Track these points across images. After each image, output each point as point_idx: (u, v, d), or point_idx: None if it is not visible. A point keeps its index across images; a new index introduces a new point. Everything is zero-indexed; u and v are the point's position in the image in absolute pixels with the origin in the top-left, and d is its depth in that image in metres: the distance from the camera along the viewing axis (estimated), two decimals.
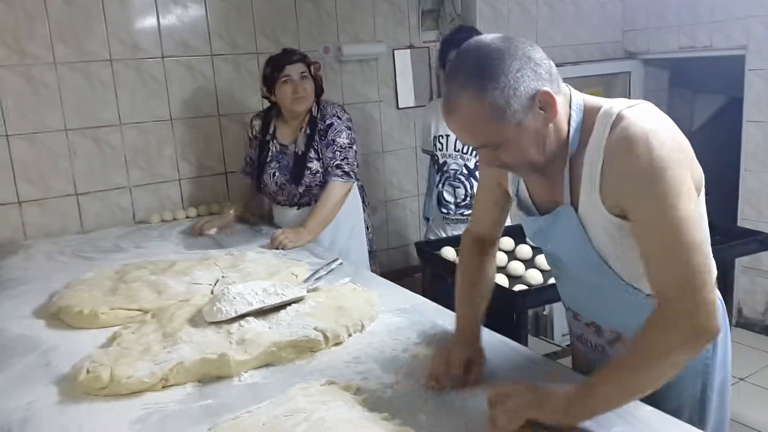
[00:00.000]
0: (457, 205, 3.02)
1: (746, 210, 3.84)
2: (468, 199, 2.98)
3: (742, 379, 3.32)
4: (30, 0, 2.85)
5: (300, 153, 2.77)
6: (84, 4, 2.96)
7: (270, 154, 2.86)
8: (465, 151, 2.96)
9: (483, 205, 1.61)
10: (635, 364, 1.16)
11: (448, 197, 3.04)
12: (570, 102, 1.27)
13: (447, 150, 3.00)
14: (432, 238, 3.10)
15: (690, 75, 4.68)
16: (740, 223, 3.80)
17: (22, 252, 2.69)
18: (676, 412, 1.35)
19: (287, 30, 3.46)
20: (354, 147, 2.80)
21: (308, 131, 2.77)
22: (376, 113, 3.83)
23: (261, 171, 2.87)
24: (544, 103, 1.20)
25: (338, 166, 2.73)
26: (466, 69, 1.20)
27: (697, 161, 1.24)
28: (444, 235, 3.04)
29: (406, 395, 1.37)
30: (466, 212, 2.98)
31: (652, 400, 1.28)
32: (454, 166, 2.99)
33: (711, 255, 1.15)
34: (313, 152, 2.76)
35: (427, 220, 3.93)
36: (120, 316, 1.86)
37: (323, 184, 2.76)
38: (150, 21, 3.12)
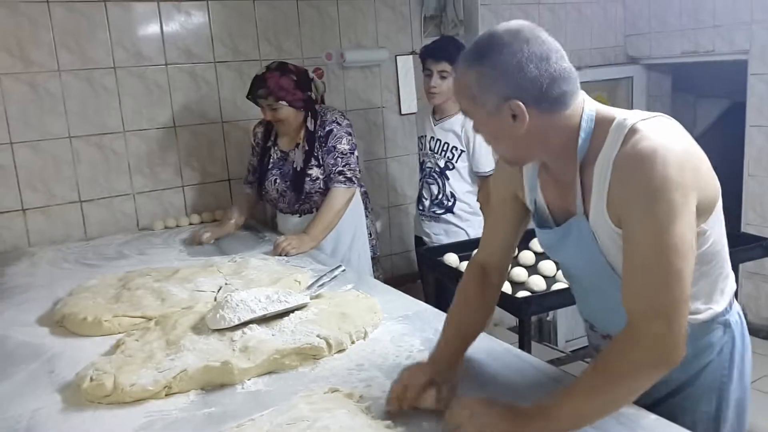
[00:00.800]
0: (432, 202, 3.08)
1: (750, 215, 3.83)
2: (440, 196, 3.03)
3: None
4: (34, 8, 2.86)
5: (299, 169, 2.77)
6: (88, 12, 2.97)
7: (271, 161, 2.86)
8: (436, 150, 3.03)
9: (493, 226, 1.54)
10: (597, 385, 1.16)
11: (425, 194, 3.11)
12: (582, 113, 1.25)
13: (425, 149, 3.08)
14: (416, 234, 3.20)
15: (692, 80, 4.68)
16: (744, 228, 3.79)
17: (27, 259, 2.70)
18: (688, 429, 1.32)
19: (290, 36, 3.47)
20: (355, 152, 2.79)
21: (306, 147, 2.77)
22: (378, 119, 3.84)
23: (262, 178, 2.87)
24: (515, 112, 1.21)
25: (340, 172, 2.73)
26: (475, 44, 1.27)
27: (713, 174, 1.23)
28: (419, 234, 3.16)
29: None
30: (438, 210, 3.05)
31: (666, 413, 1.28)
32: (429, 164, 3.07)
33: (689, 284, 1.14)
34: (313, 160, 2.76)
35: None
36: (123, 323, 1.86)
37: (324, 191, 2.76)
38: (153, 28, 3.13)
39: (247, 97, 2.76)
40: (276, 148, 2.87)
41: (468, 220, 3.01)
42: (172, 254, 2.70)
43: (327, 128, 2.76)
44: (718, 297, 1.34)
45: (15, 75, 2.86)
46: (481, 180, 2.99)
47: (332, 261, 2.47)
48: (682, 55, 4.17)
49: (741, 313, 1.42)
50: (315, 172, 2.76)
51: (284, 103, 2.67)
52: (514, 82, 1.19)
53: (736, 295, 1.42)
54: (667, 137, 1.16)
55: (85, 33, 2.98)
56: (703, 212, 1.21)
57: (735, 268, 2.66)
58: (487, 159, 2.94)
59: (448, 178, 3.01)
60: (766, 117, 3.70)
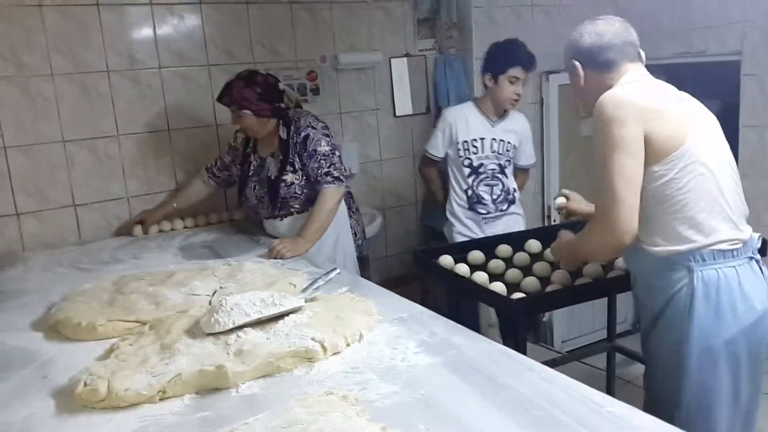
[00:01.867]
0: (495, 201, 3.21)
1: None
2: (503, 193, 3.22)
3: None
4: (27, 12, 2.86)
5: (273, 177, 2.80)
6: (80, 16, 2.97)
7: (252, 168, 2.88)
8: (500, 150, 3.20)
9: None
10: (577, 247, 1.98)
11: (485, 196, 3.20)
12: (622, 78, 1.83)
13: (483, 152, 3.19)
14: (461, 239, 3.19)
15: (685, 80, 4.66)
16: None
17: (20, 264, 2.69)
18: (658, 357, 1.78)
19: (284, 39, 3.47)
20: (337, 152, 2.79)
21: (281, 156, 2.78)
22: (373, 121, 3.84)
23: (243, 185, 2.91)
24: (576, 71, 1.91)
25: (327, 173, 2.72)
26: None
27: (678, 128, 1.66)
28: (481, 235, 3.18)
29: (405, 405, 1.37)
30: (504, 206, 3.23)
31: (653, 338, 1.78)
32: (491, 166, 3.19)
33: (629, 192, 1.64)
34: (288, 167, 2.77)
35: (427, 226, 3.96)
36: (118, 328, 1.86)
37: (299, 195, 2.79)
38: (146, 32, 3.13)
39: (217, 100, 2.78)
40: (255, 155, 2.90)
41: (522, 207, 3.38)
42: (166, 258, 2.69)
43: (303, 133, 2.75)
44: (675, 239, 1.68)
45: (8, 79, 2.86)
46: (521, 171, 3.42)
47: (327, 264, 2.47)
48: (674, 56, 4.17)
49: (738, 281, 1.66)
50: (290, 177, 2.77)
51: (248, 112, 2.69)
52: (574, 48, 1.90)
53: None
54: (625, 89, 1.73)
55: (78, 37, 2.97)
56: (656, 154, 1.63)
57: None
58: (531, 153, 3.40)
59: (507, 176, 3.23)
60: (759, 117, 3.71)
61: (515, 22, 3.99)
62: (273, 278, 2.18)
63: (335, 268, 2.24)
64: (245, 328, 1.68)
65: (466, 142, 3.18)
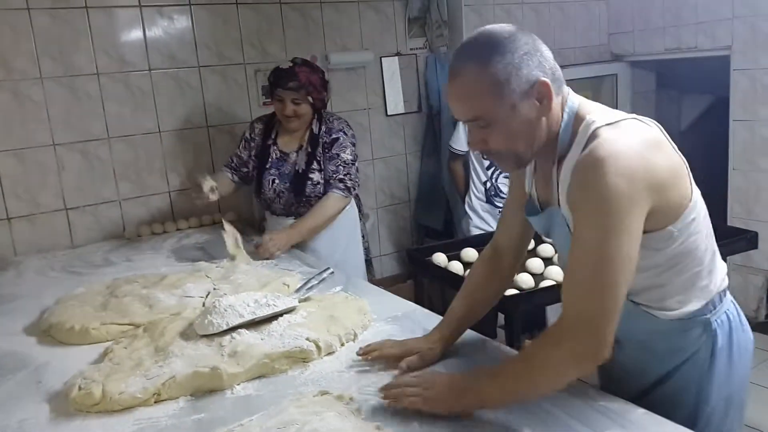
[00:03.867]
0: None
1: (736, 208, 3.86)
2: None
3: None
4: (15, 15, 2.84)
5: (300, 171, 2.74)
6: (70, 19, 2.95)
7: (270, 160, 2.82)
8: None
9: (507, 214, 1.59)
10: (519, 371, 1.25)
11: (504, 189, 3.20)
12: (566, 103, 1.30)
13: None
14: (477, 233, 3.19)
15: (676, 76, 4.71)
16: (730, 221, 3.82)
17: (12, 268, 2.68)
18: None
19: (274, 40, 3.46)
20: (356, 164, 2.80)
21: (309, 149, 2.75)
22: (365, 121, 3.84)
23: (260, 176, 2.84)
24: (541, 94, 1.24)
25: (341, 180, 2.72)
26: (477, 42, 1.26)
27: (683, 179, 1.26)
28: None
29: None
30: None
31: (648, 406, 1.30)
32: None
33: (622, 296, 1.17)
34: (315, 164, 2.74)
35: (420, 226, 3.97)
36: (111, 331, 1.85)
37: (323, 195, 2.75)
38: (136, 34, 3.12)
39: (272, 89, 2.70)
40: (275, 147, 2.83)
41: None
42: (159, 260, 2.68)
43: (333, 135, 2.74)
44: (696, 296, 1.34)
45: None
46: None
47: (320, 263, 2.46)
48: (665, 52, 4.19)
49: (733, 312, 1.41)
50: (317, 176, 2.74)
51: (310, 99, 2.68)
52: (537, 62, 1.24)
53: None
54: (625, 144, 1.18)
55: (68, 40, 2.96)
56: (668, 214, 1.24)
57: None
58: None
59: None
60: (750, 112, 3.73)
61: (505, 19, 4.00)
62: (266, 279, 2.18)
63: (328, 268, 2.24)
64: (239, 330, 1.67)
65: None
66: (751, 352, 1.46)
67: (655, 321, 1.34)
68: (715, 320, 1.36)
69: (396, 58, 3.88)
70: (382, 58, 3.83)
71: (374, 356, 1.55)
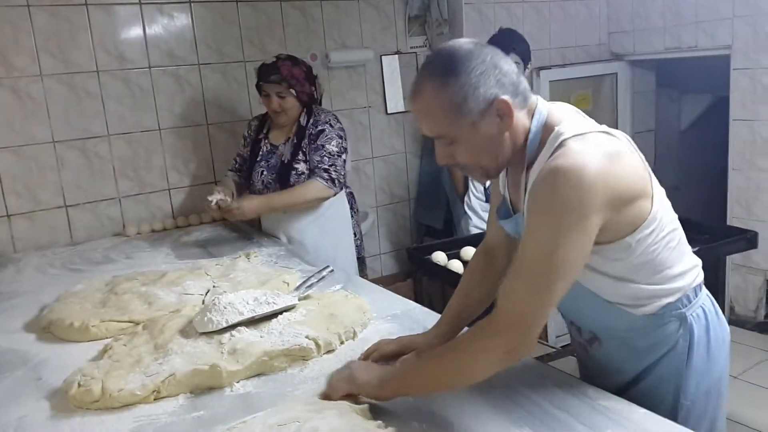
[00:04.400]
0: None
1: (735, 208, 3.86)
2: None
3: (734, 377, 3.33)
4: (15, 12, 2.84)
5: (286, 162, 2.78)
6: (69, 16, 2.95)
7: (261, 153, 2.86)
8: None
9: (494, 213, 1.60)
10: (444, 358, 1.29)
11: None
12: (534, 112, 1.30)
13: None
14: (478, 231, 3.17)
15: (676, 75, 4.72)
16: (730, 221, 3.82)
17: (12, 265, 2.68)
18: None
19: (274, 37, 3.46)
20: (343, 156, 2.79)
21: (295, 140, 2.79)
22: (365, 119, 3.84)
23: (251, 169, 2.88)
24: (501, 111, 1.25)
25: (326, 171, 2.72)
26: (436, 62, 1.27)
27: (645, 191, 1.27)
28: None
29: (400, 402, 1.36)
30: None
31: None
32: None
33: (555, 301, 1.21)
34: (300, 154, 2.77)
35: (420, 223, 3.97)
36: (111, 328, 1.85)
37: None
38: (136, 31, 3.12)
39: (258, 84, 2.77)
40: (266, 141, 2.88)
41: None
42: (159, 258, 2.68)
43: (319, 127, 2.77)
44: (666, 293, 1.36)
45: None
46: None
47: (320, 262, 2.46)
48: (665, 51, 4.19)
49: (711, 306, 1.44)
50: (301, 167, 2.76)
51: (293, 92, 2.72)
52: (495, 80, 1.24)
53: (707, 283, 1.46)
54: (587, 157, 1.18)
55: (67, 37, 2.96)
56: (625, 227, 1.26)
57: (722, 261, 2.69)
58: None
59: None
60: (750, 111, 3.73)
61: (505, 17, 4.00)
62: (266, 277, 2.17)
63: (328, 266, 2.24)
64: (239, 327, 1.67)
65: None
66: (729, 345, 1.49)
67: (631, 317, 1.37)
68: (691, 314, 1.39)
69: (396, 56, 3.88)
70: (383, 57, 3.83)
71: (374, 357, 1.55)
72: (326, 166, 2.72)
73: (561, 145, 1.22)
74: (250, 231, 3.02)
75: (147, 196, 3.24)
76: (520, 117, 1.28)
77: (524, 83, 1.29)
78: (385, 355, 1.55)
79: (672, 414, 1.39)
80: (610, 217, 1.21)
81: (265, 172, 2.83)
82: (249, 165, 2.90)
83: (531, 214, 1.23)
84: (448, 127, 1.26)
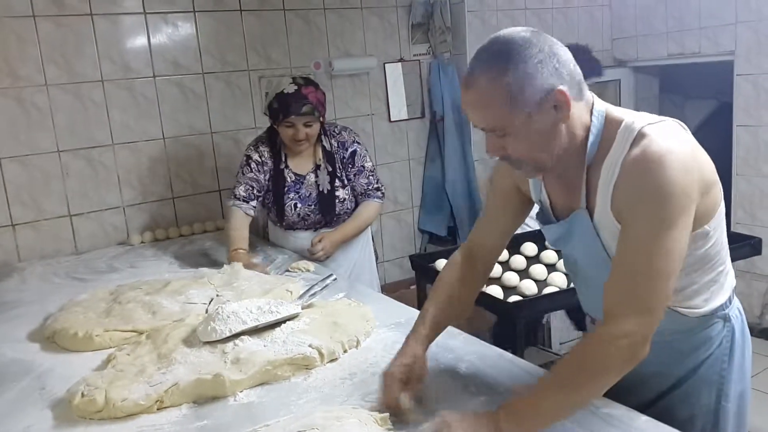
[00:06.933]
0: None
1: (739, 214, 3.85)
2: None
3: None
4: (21, 22, 2.86)
5: (326, 192, 2.68)
6: (75, 26, 2.97)
7: (286, 184, 2.69)
8: None
9: (493, 212, 1.55)
10: (569, 383, 1.18)
11: None
12: (591, 110, 1.27)
13: None
14: None
15: (680, 81, 4.71)
16: (734, 227, 3.81)
17: (17, 275, 2.68)
18: (687, 422, 1.37)
19: (278, 46, 3.47)
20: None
21: (329, 168, 2.69)
22: (368, 127, 3.84)
23: (280, 202, 2.69)
24: (558, 102, 1.20)
25: (378, 189, 2.76)
26: (492, 50, 1.22)
27: (716, 177, 1.26)
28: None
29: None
30: None
31: (664, 408, 1.28)
32: None
33: (670, 288, 1.17)
34: (338, 181, 2.70)
35: (423, 232, 3.96)
36: (115, 337, 1.86)
37: (350, 211, 2.75)
38: (140, 41, 3.13)
39: (278, 114, 2.54)
40: (288, 170, 2.70)
41: None
42: (163, 266, 2.69)
43: (349, 149, 2.71)
44: (718, 292, 1.36)
45: (2, 90, 2.85)
46: None
47: (324, 270, 2.46)
48: (668, 57, 4.19)
49: (740, 308, 1.44)
50: (341, 193, 2.71)
51: (321, 119, 2.61)
52: (552, 69, 1.19)
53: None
54: (674, 142, 1.17)
55: (72, 47, 2.97)
56: (705, 214, 1.24)
57: None
58: None
59: None
60: (753, 117, 3.72)
61: (509, 25, 3.92)
62: (269, 285, 2.17)
63: (331, 274, 2.24)
64: (242, 336, 1.68)
65: None
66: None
67: (679, 319, 1.34)
68: (732, 314, 1.39)
69: (399, 64, 3.89)
70: (386, 64, 3.84)
71: (397, 389, 1.37)
72: (376, 185, 2.75)
73: (642, 134, 1.19)
74: (255, 240, 3.02)
75: (151, 205, 3.25)
76: (578, 110, 1.24)
77: (580, 75, 1.24)
78: (401, 380, 1.39)
79: (714, 417, 1.38)
80: (700, 201, 1.20)
81: (299, 205, 2.69)
82: (276, 197, 2.70)
83: (633, 205, 1.18)
84: (502, 119, 1.21)
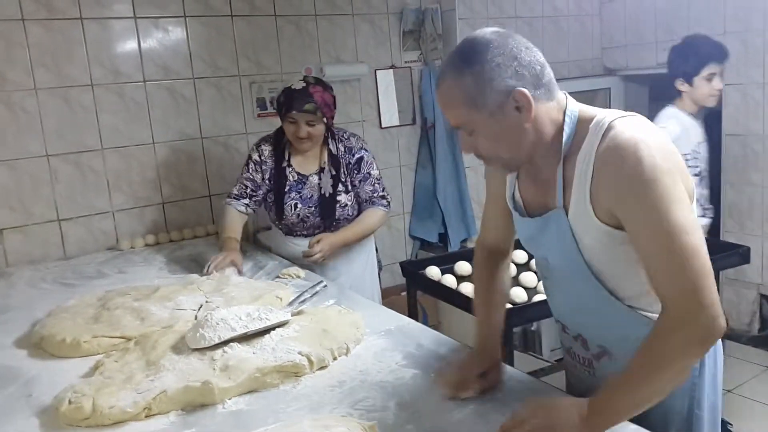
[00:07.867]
0: None
1: (728, 223, 3.88)
2: None
3: (729, 391, 3.33)
4: (9, 26, 2.84)
5: (327, 195, 2.67)
6: (64, 30, 2.95)
7: (287, 183, 2.69)
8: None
9: (491, 214, 1.62)
10: (645, 372, 1.16)
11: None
12: (565, 110, 1.30)
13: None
14: None
15: (669, 90, 4.74)
16: (723, 236, 3.84)
17: (4, 280, 2.66)
18: (661, 429, 1.36)
19: (269, 52, 3.47)
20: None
21: (333, 171, 2.68)
22: (359, 133, 3.81)
23: (280, 201, 2.70)
24: (519, 103, 1.23)
25: (383, 197, 2.74)
26: (457, 51, 1.28)
27: (687, 171, 1.26)
28: None
29: (392, 418, 1.36)
30: None
31: (636, 418, 1.28)
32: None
33: (708, 257, 1.15)
34: (341, 186, 2.68)
35: (414, 238, 3.96)
36: (103, 344, 1.84)
37: (351, 217, 2.73)
38: (131, 45, 3.12)
39: (282, 110, 2.57)
40: (291, 169, 2.71)
41: None
42: (152, 272, 2.67)
43: (356, 155, 2.70)
44: None
45: None
46: None
47: (314, 276, 2.46)
48: (658, 66, 4.21)
49: None
50: (343, 198, 2.69)
51: (325, 119, 2.59)
52: (512, 71, 1.23)
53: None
54: (643, 131, 1.20)
55: (62, 51, 2.96)
56: None
57: (716, 276, 2.68)
58: None
59: None
60: (742, 126, 3.75)
61: None
62: (259, 292, 2.16)
63: (321, 281, 2.24)
64: (231, 343, 1.66)
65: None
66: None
67: (650, 324, 1.30)
68: None
69: (390, 70, 3.90)
70: (377, 71, 3.84)
71: (461, 382, 1.44)
72: (381, 193, 2.74)
73: (611, 127, 1.22)
74: (245, 245, 3.00)
75: (141, 210, 3.24)
76: (546, 109, 1.27)
77: (549, 76, 1.27)
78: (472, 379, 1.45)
79: (687, 426, 1.38)
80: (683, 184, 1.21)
81: (299, 205, 2.69)
82: (276, 196, 2.70)
83: (623, 198, 1.18)
84: (466, 118, 1.27)
